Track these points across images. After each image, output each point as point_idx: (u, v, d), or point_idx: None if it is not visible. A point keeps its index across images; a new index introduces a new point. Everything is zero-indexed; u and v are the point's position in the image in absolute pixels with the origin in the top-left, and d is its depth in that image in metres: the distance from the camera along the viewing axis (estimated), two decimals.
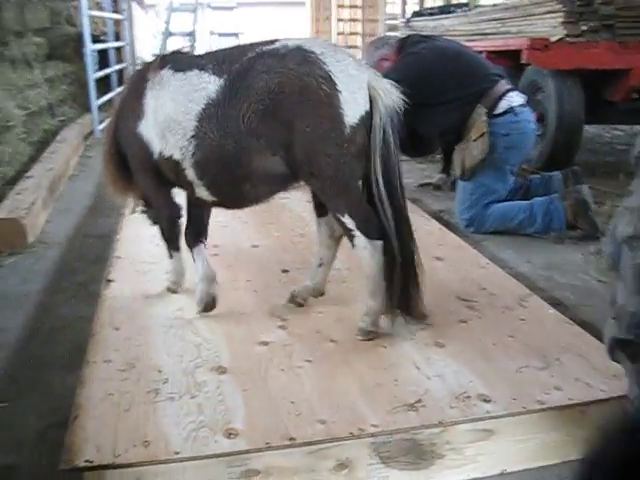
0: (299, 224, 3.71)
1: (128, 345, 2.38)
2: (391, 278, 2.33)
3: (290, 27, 26.31)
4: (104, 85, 9.29)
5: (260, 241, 3.43)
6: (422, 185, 5.26)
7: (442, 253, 3.23)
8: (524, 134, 3.97)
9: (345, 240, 2.45)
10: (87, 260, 3.79)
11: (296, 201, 4.16)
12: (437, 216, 4.31)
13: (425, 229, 3.60)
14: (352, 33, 19.84)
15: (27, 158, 6.04)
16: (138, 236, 3.44)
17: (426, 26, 9.06)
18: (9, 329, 2.97)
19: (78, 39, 8.41)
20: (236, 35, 10.26)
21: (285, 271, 3.02)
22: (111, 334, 2.46)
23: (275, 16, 27.08)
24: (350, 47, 19.89)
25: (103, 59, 9.09)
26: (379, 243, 2.30)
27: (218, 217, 3.68)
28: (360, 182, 2.35)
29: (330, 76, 2.21)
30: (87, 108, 7.91)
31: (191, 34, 11.07)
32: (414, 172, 5.79)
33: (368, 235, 2.29)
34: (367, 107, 2.25)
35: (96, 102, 7.26)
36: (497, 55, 5.87)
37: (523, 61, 5.33)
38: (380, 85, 2.29)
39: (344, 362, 2.23)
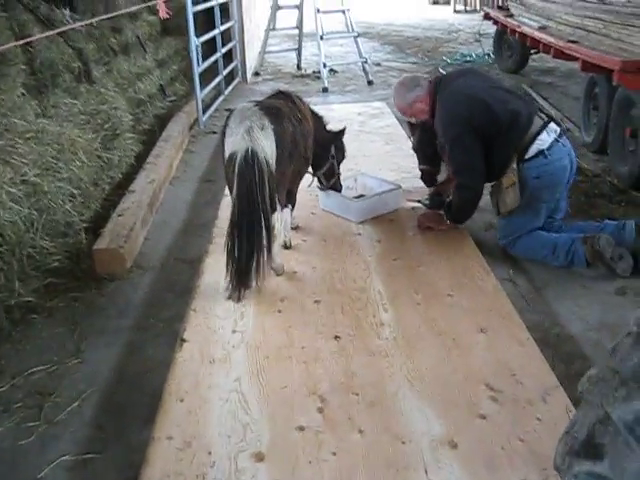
0: (362, 274, 3.98)
1: (188, 420, 2.80)
2: None
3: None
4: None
5: (322, 296, 3.74)
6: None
7: (488, 322, 3.42)
8: (555, 174, 4.11)
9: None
10: (175, 291, 4.23)
11: (367, 239, 4.44)
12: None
13: (478, 285, 3.80)
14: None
15: (134, 159, 6.60)
16: (216, 283, 3.83)
17: (534, 5, 8.83)
18: (101, 372, 3.47)
19: None
20: (343, 12, 10.28)
21: (337, 337, 3.33)
22: (176, 407, 2.89)
23: None
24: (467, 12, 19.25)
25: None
26: None
27: (291, 261, 4.07)
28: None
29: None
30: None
31: (299, 7, 11.20)
32: None
33: None
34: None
35: (201, 94, 7.66)
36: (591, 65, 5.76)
37: (614, 83, 5.24)
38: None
39: (364, 458, 2.56)
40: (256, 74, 11.24)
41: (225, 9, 9.92)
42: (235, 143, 3.57)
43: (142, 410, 3.14)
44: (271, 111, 3.71)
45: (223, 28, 9.08)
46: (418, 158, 4.92)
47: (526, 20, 8.57)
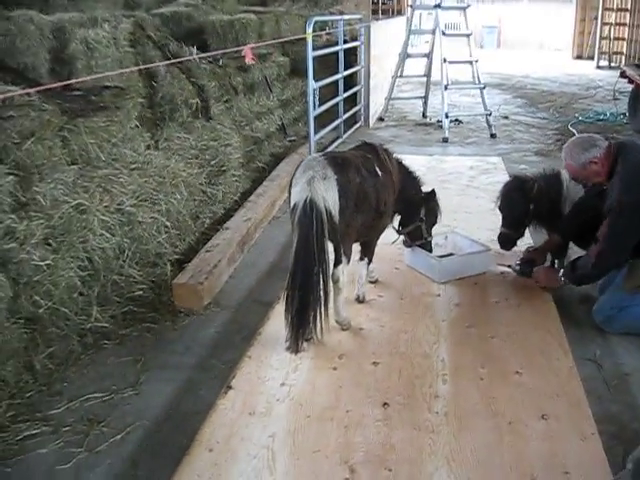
0: (430, 338, 3.79)
1: (211, 472, 2.73)
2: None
3: (553, 24, 25.28)
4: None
5: (382, 357, 3.58)
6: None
7: (552, 408, 3.13)
8: None
9: None
10: (243, 334, 4.20)
11: (445, 302, 4.23)
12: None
13: (552, 365, 3.49)
14: (617, 38, 18.47)
15: (240, 195, 6.72)
16: (281, 331, 3.75)
17: None
18: (152, 407, 3.47)
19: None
20: (470, 63, 10.12)
21: (385, 405, 3.15)
22: (202, 456, 2.83)
23: (539, 12, 26.07)
24: (614, 54, 18.56)
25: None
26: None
27: (360, 317, 3.93)
28: None
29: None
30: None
31: (428, 55, 11.15)
32: None
33: None
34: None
35: (314, 137, 7.72)
36: None
37: None
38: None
39: None
40: (380, 119, 11.25)
41: (354, 54, 10.04)
42: (297, 193, 3.53)
43: (179, 453, 3.09)
44: (336, 161, 3.64)
45: (347, 73, 9.14)
46: (503, 219, 4.66)
47: None
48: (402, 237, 4.61)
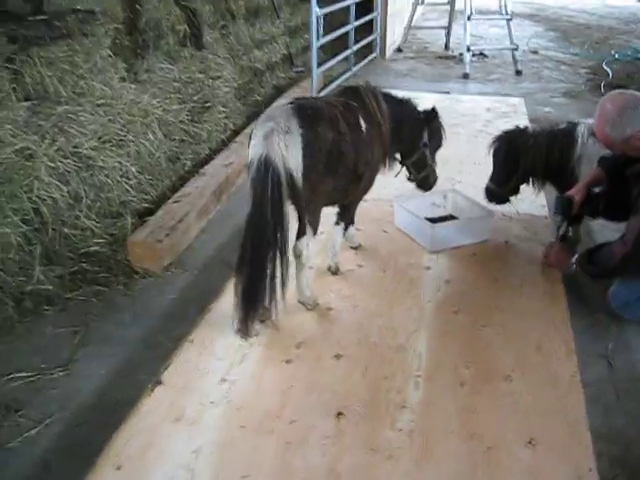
0: (409, 326, 3.20)
1: None
2: None
3: None
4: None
5: (348, 348, 3.02)
6: None
7: (543, 430, 2.56)
8: None
9: None
10: (201, 303, 3.66)
11: (435, 277, 3.64)
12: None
13: (551, 368, 2.90)
14: None
15: (230, 133, 6.07)
16: (227, 316, 3.17)
17: None
18: (81, 392, 2.97)
19: None
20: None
21: (340, 415, 2.61)
22: (109, 475, 2.32)
23: None
24: None
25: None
26: None
27: (331, 293, 3.38)
28: None
29: None
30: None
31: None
32: None
33: None
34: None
35: (317, 71, 7.00)
36: None
37: None
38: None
39: None
40: (399, 50, 10.41)
41: None
42: (252, 148, 2.91)
43: (102, 455, 2.60)
44: (305, 111, 2.98)
45: None
46: (493, 173, 4.09)
47: None
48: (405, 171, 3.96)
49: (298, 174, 2.89)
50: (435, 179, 3.94)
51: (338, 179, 3.12)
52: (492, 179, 4.10)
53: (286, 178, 2.86)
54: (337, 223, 3.63)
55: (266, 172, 2.82)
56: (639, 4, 16.85)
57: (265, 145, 2.84)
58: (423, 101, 3.88)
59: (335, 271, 3.65)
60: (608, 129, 3.14)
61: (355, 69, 8.64)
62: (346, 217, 3.63)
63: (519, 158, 3.90)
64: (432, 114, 3.73)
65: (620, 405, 2.91)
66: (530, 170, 3.95)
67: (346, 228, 3.69)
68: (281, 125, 2.88)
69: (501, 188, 4.04)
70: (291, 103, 3.07)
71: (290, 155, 2.86)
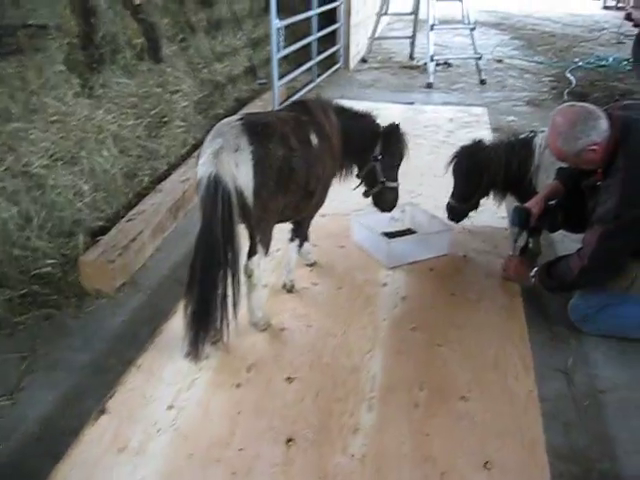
0: (363, 346, 3.13)
1: None
2: None
3: None
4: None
5: (300, 371, 2.94)
6: None
7: (500, 451, 2.50)
8: None
9: None
10: (154, 324, 3.56)
11: (391, 294, 3.58)
12: None
13: (508, 386, 2.85)
14: None
15: (189, 148, 5.97)
16: (177, 338, 3.06)
17: None
18: (25, 423, 2.84)
19: None
20: (460, 0, 9.21)
21: (290, 441, 2.53)
22: None
23: None
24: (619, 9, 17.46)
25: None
26: None
27: (285, 313, 3.30)
28: None
29: None
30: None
31: None
32: None
33: None
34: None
35: (278, 82, 6.93)
36: None
37: None
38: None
39: None
40: (363, 61, 10.38)
41: None
42: (201, 166, 2.83)
43: None
44: (254, 128, 2.91)
45: (321, 10, 8.27)
46: (454, 190, 4.02)
47: None
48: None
49: (249, 192, 2.82)
50: (392, 199, 3.77)
51: (289, 196, 3.05)
52: (454, 196, 4.04)
53: (236, 197, 2.79)
54: (291, 240, 3.56)
55: (216, 191, 2.74)
56: (603, 12, 17.06)
57: (214, 163, 2.77)
58: (386, 112, 3.80)
59: (290, 289, 3.57)
60: (560, 143, 3.10)
61: (319, 80, 8.58)
62: (300, 233, 3.56)
63: (482, 172, 3.84)
64: (388, 128, 3.63)
65: (580, 422, 2.86)
66: (491, 183, 3.90)
67: (301, 245, 3.62)
68: (230, 142, 2.81)
69: (463, 204, 3.99)
70: (240, 119, 3.00)
71: (240, 173, 2.78)
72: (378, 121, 3.65)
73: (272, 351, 3.07)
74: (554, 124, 3.12)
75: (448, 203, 4.05)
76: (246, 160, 2.80)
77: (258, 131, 2.90)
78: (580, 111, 3.09)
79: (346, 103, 3.74)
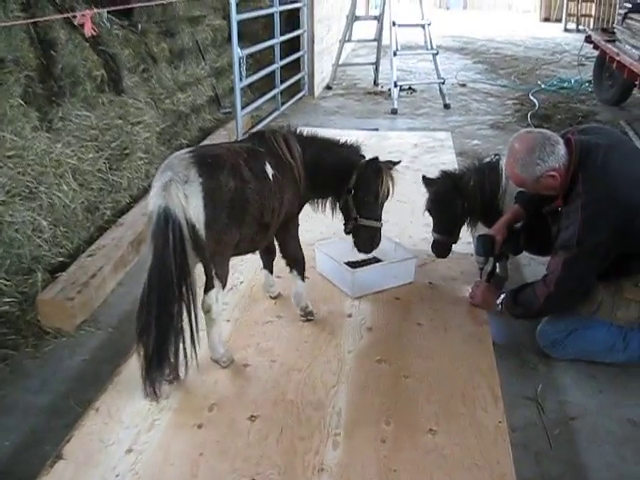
0: (328, 380, 3.05)
1: None
2: None
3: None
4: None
5: (264, 408, 2.85)
6: None
7: None
8: None
9: None
10: (113, 364, 3.45)
11: (356, 325, 3.52)
12: None
13: (476, 418, 2.80)
14: (584, 15, 17.88)
15: (148, 182, 5.89)
16: (137, 378, 2.90)
17: None
18: None
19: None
20: (422, 26, 9.30)
21: None
22: None
23: None
24: (582, 16, 17.86)
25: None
26: None
27: (249, 348, 3.22)
28: None
29: None
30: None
31: (378, 19, 10.30)
32: None
33: None
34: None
35: (242, 111, 6.91)
36: None
37: None
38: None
39: None
40: (328, 88, 10.42)
41: (298, 16, 9.21)
42: (151, 199, 2.77)
43: None
44: (204, 160, 2.85)
45: (284, 38, 8.30)
46: (436, 224, 3.93)
47: (628, 48, 7.31)
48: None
49: (200, 225, 2.76)
50: (365, 239, 3.53)
51: (245, 228, 2.99)
52: (439, 230, 3.93)
53: (188, 229, 2.73)
54: (290, 271, 3.53)
55: (166, 224, 2.68)
56: (564, 34, 17.41)
57: (164, 196, 2.71)
58: (351, 139, 3.66)
59: (307, 315, 3.58)
60: (518, 169, 3.09)
61: (283, 108, 8.59)
62: (291, 259, 3.52)
63: (462, 201, 3.79)
64: (366, 161, 3.44)
65: (552, 451, 2.83)
66: (470, 210, 3.85)
67: (300, 274, 3.54)
68: (180, 175, 2.75)
69: (450, 237, 3.93)
70: (191, 152, 2.95)
71: (190, 205, 2.73)
72: (362, 152, 3.49)
73: (235, 389, 2.99)
74: (512, 151, 3.11)
75: (434, 240, 3.94)
76: (196, 192, 2.75)
77: (208, 163, 2.85)
78: (537, 137, 3.08)
79: (326, 133, 3.66)
